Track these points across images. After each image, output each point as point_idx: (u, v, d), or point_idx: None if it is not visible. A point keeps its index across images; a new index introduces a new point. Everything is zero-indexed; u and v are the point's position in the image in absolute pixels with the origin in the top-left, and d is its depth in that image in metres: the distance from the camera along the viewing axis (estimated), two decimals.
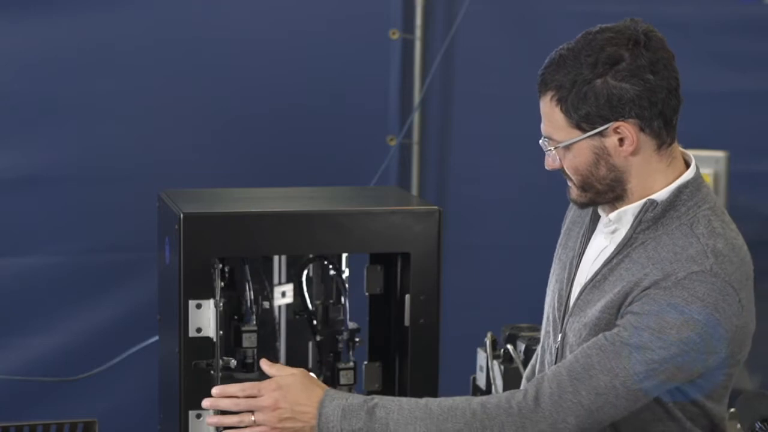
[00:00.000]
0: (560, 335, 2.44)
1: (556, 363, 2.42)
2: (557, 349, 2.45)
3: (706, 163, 4.12)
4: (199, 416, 2.70)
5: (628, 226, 2.37)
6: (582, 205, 2.44)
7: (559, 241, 2.60)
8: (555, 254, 2.60)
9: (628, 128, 2.30)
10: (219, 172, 4.15)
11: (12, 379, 3.98)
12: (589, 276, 2.41)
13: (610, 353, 2.25)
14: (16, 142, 4.04)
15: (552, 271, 2.59)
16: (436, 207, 2.83)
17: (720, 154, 4.14)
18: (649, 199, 2.35)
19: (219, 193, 3.12)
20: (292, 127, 4.26)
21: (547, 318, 2.54)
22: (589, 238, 2.47)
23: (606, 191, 2.37)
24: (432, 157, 4.47)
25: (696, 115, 4.33)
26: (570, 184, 2.40)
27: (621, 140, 2.31)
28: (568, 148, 2.34)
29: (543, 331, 2.58)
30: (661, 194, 2.35)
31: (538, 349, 2.62)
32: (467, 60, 4.40)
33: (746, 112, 4.46)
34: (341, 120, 4.31)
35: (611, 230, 2.41)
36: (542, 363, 2.55)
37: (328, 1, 4.29)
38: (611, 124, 2.29)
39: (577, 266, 2.47)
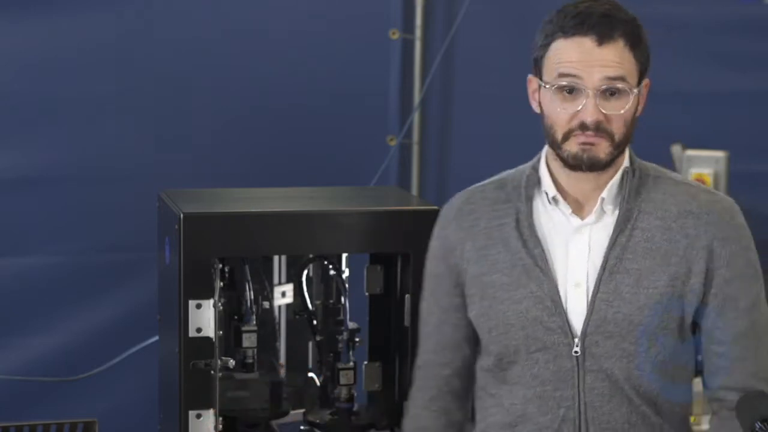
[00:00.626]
0: (577, 339, 2.39)
1: (579, 368, 2.38)
2: (578, 352, 2.38)
3: (706, 163, 4.12)
4: (199, 416, 2.70)
5: (618, 201, 2.40)
6: (605, 165, 2.37)
7: (446, 261, 2.51)
8: (448, 274, 2.51)
9: (648, 88, 2.40)
10: (219, 172, 4.15)
11: (12, 379, 3.97)
12: (597, 265, 2.38)
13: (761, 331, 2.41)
14: (16, 142, 4.03)
15: (471, 290, 2.47)
16: (436, 207, 2.83)
17: (720, 154, 4.14)
18: (626, 168, 2.42)
19: (219, 193, 3.12)
20: (292, 127, 4.26)
21: (527, 337, 2.41)
22: (539, 241, 2.42)
23: (622, 153, 2.40)
24: (432, 157, 4.47)
25: (696, 115, 4.38)
26: (598, 140, 2.34)
27: (641, 100, 2.39)
28: (631, 95, 2.34)
29: (512, 351, 2.44)
30: (627, 161, 2.43)
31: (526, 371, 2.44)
32: (467, 60, 4.39)
33: (746, 112, 4.46)
34: (341, 120, 4.31)
35: (599, 215, 2.40)
36: (550, 378, 2.42)
37: (328, 1, 4.29)
38: (645, 80, 2.39)
39: (546, 270, 2.41)
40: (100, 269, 4.11)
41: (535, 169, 2.49)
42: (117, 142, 4.10)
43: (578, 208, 2.43)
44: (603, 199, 2.40)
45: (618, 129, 2.35)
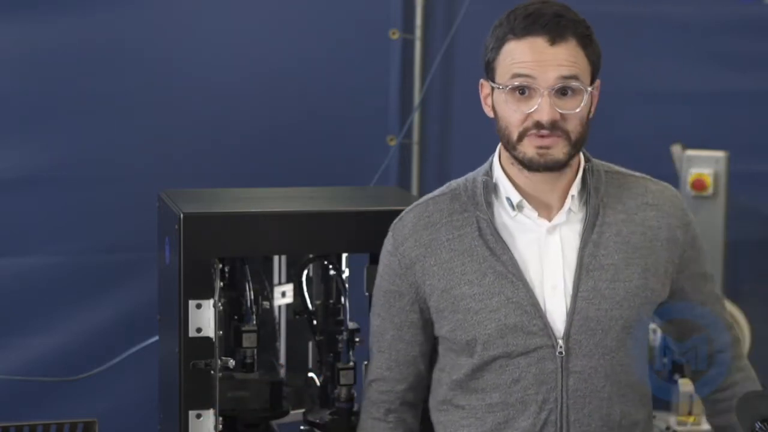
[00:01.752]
0: (560, 340, 2.38)
1: (561, 369, 2.38)
2: (562, 353, 2.38)
3: (706, 163, 4.12)
4: (199, 416, 2.70)
5: (582, 199, 2.43)
6: (562, 165, 2.37)
7: (404, 279, 2.49)
8: (406, 290, 2.50)
9: (599, 89, 2.42)
10: (219, 172, 4.15)
11: (12, 379, 3.97)
12: (572, 265, 2.39)
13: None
14: (16, 142, 4.04)
15: (436, 304, 2.46)
16: None
17: (720, 154, 4.14)
18: (586, 165, 2.45)
19: (219, 193, 3.11)
20: (292, 127, 4.26)
21: (507, 344, 2.40)
22: (506, 247, 2.41)
23: (578, 152, 2.42)
24: (432, 157, 4.47)
25: (696, 115, 4.38)
26: (554, 141, 2.35)
27: (594, 99, 2.41)
28: (584, 94, 2.35)
29: (490, 357, 2.43)
30: (583, 161, 2.46)
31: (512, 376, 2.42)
32: (467, 60, 4.39)
33: (746, 112, 4.46)
34: (341, 120, 4.31)
35: (566, 214, 2.41)
36: (532, 381, 2.40)
37: (328, 2, 4.29)
38: (596, 81, 2.41)
39: (519, 275, 2.40)
40: (100, 269, 4.12)
41: (489, 175, 2.48)
42: (117, 142, 4.10)
43: (544, 211, 2.44)
44: (573, 196, 2.42)
45: (574, 128, 2.35)
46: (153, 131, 4.13)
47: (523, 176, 2.42)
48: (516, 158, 2.40)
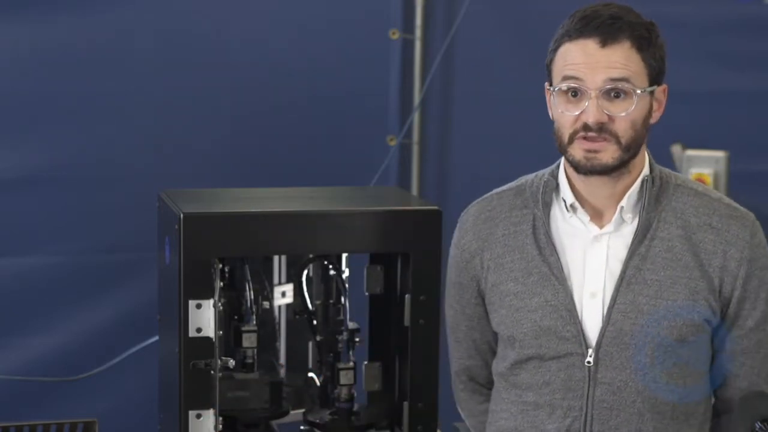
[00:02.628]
0: (591, 349, 2.37)
1: (589, 379, 2.37)
2: (590, 362, 2.37)
3: (706, 163, 4.12)
4: (199, 416, 2.70)
5: (634, 210, 2.38)
6: (612, 168, 2.33)
7: (466, 271, 2.52)
8: (468, 283, 2.52)
9: (666, 93, 2.39)
10: (219, 172, 4.15)
11: (12, 379, 3.98)
12: (614, 275, 2.36)
13: None
14: (16, 142, 4.04)
15: (490, 299, 2.48)
16: (436, 207, 2.83)
17: (720, 154, 4.14)
18: (646, 176, 2.39)
19: (219, 193, 3.11)
20: (293, 127, 4.26)
21: (540, 346, 2.41)
22: (555, 249, 2.41)
23: (633, 157, 2.36)
24: (432, 157, 4.47)
25: (696, 115, 4.38)
26: (602, 145, 2.32)
27: (657, 105, 2.38)
28: (637, 98, 2.31)
29: (525, 358, 2.44)
30: (646, 169, 2.41)
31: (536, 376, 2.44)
32: (467, 60, 4.40)
33: (746, 112, 4.46)
34: (341, 120, 4.31)
35: (617, 224, 2.38)
36: (560, 386, 2.41)
37: (328, 2, 4.29)
38: (662, 85, 2.38)
39: (561, 279, 2.40)
40: (100, 269, 4.12)
41: (554, 175, 2.46)
42: (117, 142, 4.10)
43: (596, 216, 2.41)
44: (622, 207, 2.38)
45: (624, 131, 2.32)
46: (153, 131, 4.14)
47: (580, 179, 2.40)
48: (567, 160, 2.39)
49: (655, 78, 2.36)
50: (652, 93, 2.36)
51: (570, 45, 2.34)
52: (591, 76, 2.31)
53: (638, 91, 2.32)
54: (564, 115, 2.34)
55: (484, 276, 2.50)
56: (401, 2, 4.34)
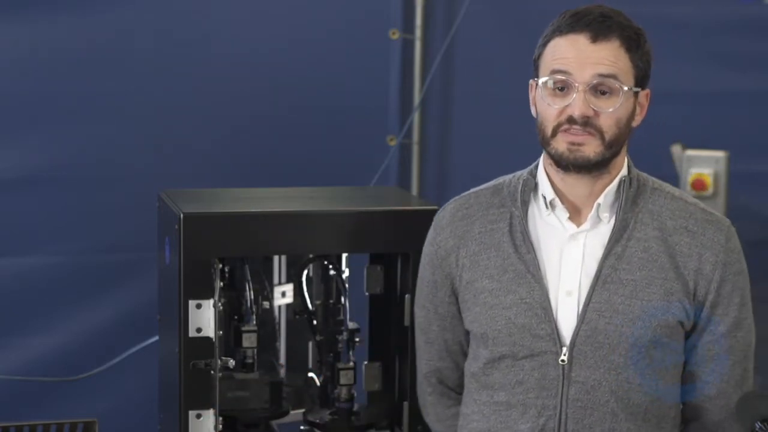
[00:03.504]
0: (565, 348, 2.37)
1: (563, 377, 2.36)
2: (564, 361, 2.36)
3: (706, 163, 4.12)
4: (199, 416, 2.70)
5: (611, 210, 2.39)
6: (594, 164, 2.34)
7: (441, 269, 2.51)
8: (442, 281, 2.51)
9: (648, 98, 2.40)
10: (219, 172, 4.15)
11: (12, 379, 3.97)
12: (590, 274, 2.36)
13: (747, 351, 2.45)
14: (16, 142, 4.03)
15: (464, 297, 2.47)
16: (436, 207, 2.83)
17: (720, 154, 4.14)
18: (624, 176, 2.40)
19: (219, 193, 3.12)
20: (292, 127, 4.26)
21: (513, 344, 2.40)
22: (531, 247, 2.41)
23: (614, 155, 2.37)
24: (432, 157, 4.47)
25: (696, 115, 4.38)
26: (586, 138, 2.33)
27: (639, 108, 2.39)
28: (623, 96, 2.32)
29: (494, 357, 2.43)
30: (624, 170, 2.42)
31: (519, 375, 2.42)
32: (467, 60, 4.39)
33: (746, 112, 4.45)
34: (341, 120, 4.31)
35: (594, 222, 2.38)
36: (534, 385, 2.40)
37: (329, 2, 4.29)
38: (646, 90, 2.39)
39: (537, 277, 2.39)
40: (100, 269, 4.11)
41: (533, 174, 2.47)
42: (117, 142, 4.10)
43: (575, 214, 2.42)
44: (599, 205, 2.38)
45: (608, 127, 2.33)
46: (153, 131, 4.13)
47: (559, 176, 2.41)
48: (549, 154, 2.38)
49: (640, 81, 2.37)
50: (636, 95, 2.37)
51: (560, 40, 2.35)
52: (579, 71, 2.32)
53: (625, 89, 2.33)
54: (549, 107, 2.35)
55: (459, 273, 2.49)
56: (401, 2, 4.33)
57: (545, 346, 2.38)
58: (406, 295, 2.81)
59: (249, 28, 4.19)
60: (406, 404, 2.84)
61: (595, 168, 2.36)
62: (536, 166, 2.48)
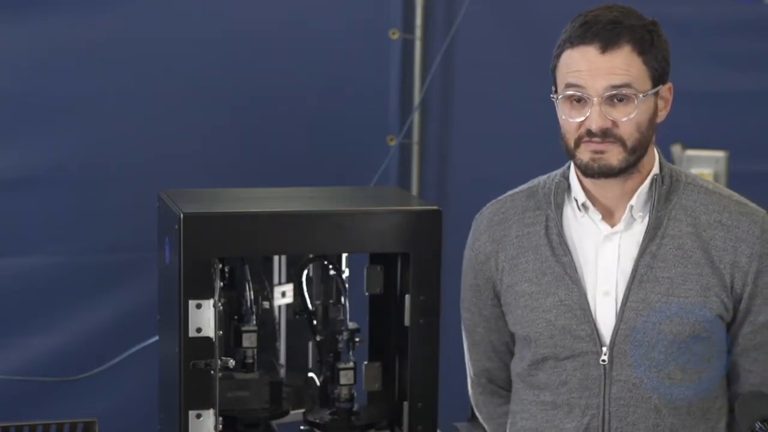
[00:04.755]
0: (605, 347, 2.37)
1: (605, 376, 2.37)
2: (605, 360, 2.37)
3: (706, 163, 4.12)
4: (199, 416, 2.70)
5: (647, 208, 2.39)
6: (619, 171, 2.34)
7: (482, 273, 2.52)
8: (484, 285, 2.52)
9: (671, 93, 2.39)
10: (219, 172, 4.15)
11: (12, 379, 3.97)
12: (626, 273, 2.37)
13: None
14: (16, 142, 4.03)
15: (506, 300, 2.49)
16: (436, 207, 2.83)
17: (720, 154, 4.13)
18: (655, 175, 2.39)
19: (219, 193, 3.12)
20: (292, 127, 4.26)
21: (555, 345, 2.41)
22: (568, 249, 2.42)
23: (640, 158, 2.37)
24: (432, 157, 4.47)
25: (696, 115, 4.38)
26: (609, 146, 2.33)
27: (660, 103, 2.38)
28: (640, 101, 2.31)
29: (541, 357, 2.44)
30: (656, 168, 2.42)
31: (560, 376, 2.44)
32: (467, 60, 4.39)
33: (746, 112, 4.46)
34: (341, 120, 4.31)
35: (628, 222, 2.38)
36: (577, 385, 2.41)
37: (329, 2, 4.29)
38: (667, 84, 2.38)
39: (575, 278, 2.40)
40: (100, 269, 4.12)
41: (565, 175, 2.47)
42: (117, 142, 4.10)
43: (608, 215, 2.42)
44: (632, 206, 2.39)
45: (628, 134, 2.33)
46: (153, 131, 4.13)
47: (589, 180, 2.42)
48: (575, 164, 2.40)
49: (659, 78, 2.37)
50: (656, 93, 2.36)
51: (571, 52, 2.35)
52: (592, 83, 2.32)
53: (640, 96, 2.32)
54: (568, 121, 2.35)
55: (500, 277, 2.51)
56: (401, 2, 4.33)
57: (586, 346, 2.39)
58: (406, 295, 2.81)
59: (249, 28, 4.19)
60: (406, 404, 2.84)
61: (621, 173, 2.36)
62: (569, 167, 2.48)
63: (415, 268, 2.78)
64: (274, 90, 4.22)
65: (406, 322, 2.81)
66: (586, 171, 2.36)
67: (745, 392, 2.37)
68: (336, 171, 4.22)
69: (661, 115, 2.39)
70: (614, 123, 2.32)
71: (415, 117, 4.40)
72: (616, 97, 2.32)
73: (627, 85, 2.31)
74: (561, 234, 2.43)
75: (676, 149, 4.18)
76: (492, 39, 4.39)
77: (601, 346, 2.38)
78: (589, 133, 2.33)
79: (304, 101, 4.26)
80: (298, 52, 4.23)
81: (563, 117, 2.36)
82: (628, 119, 2.32)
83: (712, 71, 4.42)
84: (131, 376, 4.03)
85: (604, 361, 2.38)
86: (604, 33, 2.31)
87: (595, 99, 2.31)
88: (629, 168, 2.36)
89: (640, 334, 2.37)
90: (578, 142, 2.35)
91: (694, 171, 4.12)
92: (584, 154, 2.35)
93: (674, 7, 4.35)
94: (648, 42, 2.34)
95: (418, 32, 4.36)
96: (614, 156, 2.33)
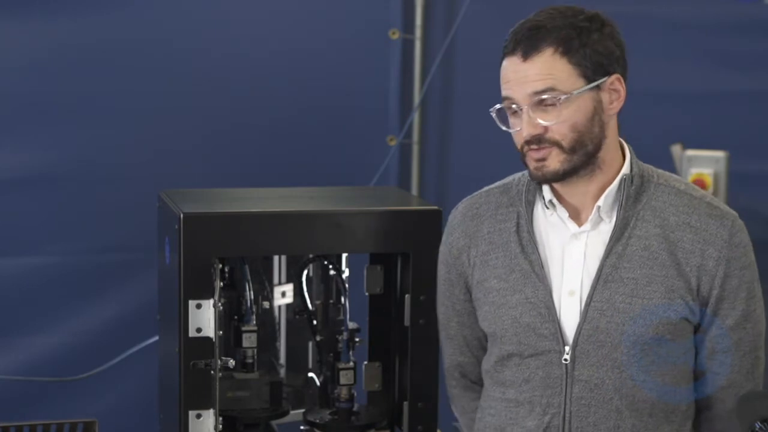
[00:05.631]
0: (568, 347, 2.37)
1: (567, 376, 2.37)
2: (567, 360, 2.37)
3: (706, 163, 4.12)
4: (199, 416, 2.70)
5: (615, 208, 2.38)
6: (562, 175, 2.34)
7: (455, 268, 2.53)
8: (456, 280, 2.53)
9: (621, 83, 2.35)
10: (219, 172, 4.15)
11: (12, 379, 3.97)
12: (592, 273, 2.36)
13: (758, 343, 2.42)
14: (17, 142, 4.04)
15: (476, 296, 2.49)
16: (436, 207, 2.83)
17: (720, 154, 4.13)
18: (624, 175, 2.38)
19: (219, 193, 3.12)
20: (292, 127, 4.26)
21: (519, 343, 2.42)
22: (536, 246, 2.42)
23: (592, 153, 2.35)
24: (432, 157, 4.47)
25: (696, 115, 4.38)
26: (546, 153, 2.33)
27: (609, 95, 2.34)
28: (569, 101, 2.30)
29: (502, 355, 2.45)
30: (626, 167, 2.40)
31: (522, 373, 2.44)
32: (467, 60, 4.39)
33: (746, 112, 4.45)
34: (341, 120, 4.31)
35: (595, 222, 2.38)
36: (539, 384, 2.41)
37: (328, 2, 4.29)
38: (610, 76, 2.34)
39: (541, 276, 2.40)
40: (100, 269, 4.12)
41: None
42: (117, 142, 4.10)
43: (575, 214, 2.41)
44: (599, 207, 2.38)
45: (562, 136, 2.32)
46: (153, 131, 4.13)
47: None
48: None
49: (595, 72, 2.33)
50: (598, 88, 2.33)
51: (504, 62, 2.40)
52: (518, 92, 2.34)
53: (562, 98, 2.31)
54: (512, 131, 2.38)
55: (471, 272, 2.51)
56: (401, 2, 4.33)
57: (549, 345, 2.39)
58: (406, 295, 2.81)
59: (249, 28, 4.19)
60: (406, 404, 2.84)
61: (570, 175, 2.36)
62: None
63: (415, 268, 2.78)
64: (274, 90, 4.22)
65: (406, 322, 2.81)
66: (533, 178, 2.39)
67: (745, 392, 2.36)
68: (336, 171, 4.22)
69: (614, 107, 2.36)
70: (546, 128, 2.33)
71: (415, 117, 4.40)
72: (543, 102, 2.32)
73: (550, 89, 2.31)
74: (531, 231, 2.43)
75: (676, 149, 4.18)
76: (492, 39, 4.36)
77: (564, 345, 2.38)
78: (528, 142, 2.34)
79: (304, 101, 4.26)
80: (298, 52, 4.23)
81: (504, 128, 2.39)
82: (558, 122, 2.32)
83: (712, 71, 4.41)
84: (131, 376, 4.03)
85: (566, 360, 2.38)
86: (524, 40, 2.33)
87: (523, 107, 2.33)
88: (578, 169, 2.35)
89: (603, 334, 2.36)
90: (523, 151, 2.37)
91: (694, 171, 4.12)
92: (530, 162, 2.37)
93: (674, 6, 4.36)
94: (574, 40, 2.32)
95: (418, 32, 4.36)
96: (554, 160, 2.34)
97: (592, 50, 2.32)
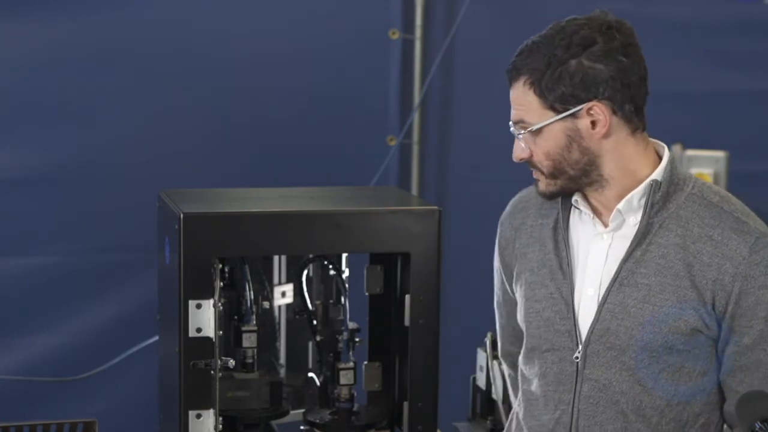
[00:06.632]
0: (581, 345, 2.38)
1: (577, 374, 2.38)
2: (578, 358, 2.38)
3: (706, 163, 4.12)
4: (199, 416, 2.70)
5: (639, 212, 2.37)
6: (551, 195, 2.40)
7: (502, 258, 2.56)
8: (504, 270, 2.57)
9: (601, 109, 2.31)
10: (219, 172, 4.15)
11: (12, 379, 3.97)
12: (611, 275, 2.36)
13: None
14: (17, 142, 4.04)
15: (516, 287, 2.52)
16: (436, 207, 2.83)
17: (720, 154, 4.14)
18: (653, 180, 2.36)
19: (219, 193, 3.12)
20: (292, 127, 4.26)
21: (539, 337, 2.44)
22: (567, 244, 2.43)
23: (579, 176, 2.36)
24: (432, 157, 4.47)
25: (696, 115, 4.38)
26: (537, 175, 2.39)
27: (594, 122, 2.32)
28: (539, 131, 2.33)
29: (530, 351, 2.47)
30: (657, 173, 2.37)
31: (525, 370, 2.50)
32: (467, 60, 4.39)
33: (746, 112, 4.46)
34: (341, 120, 4.31)
35: (618, 223, 2.38)
36: (553, 379, 2.43)
37: (329, 2, 4.29)
38: (585, 105, 2.31)
39: (567, 273, 2.41)
40: (100, 269, 4.12)
41: None
42: (117, 142, 4.10)
43: (601, 214, 2.42)
44: (619, 210, 2.38)
45: (539, 162, 2.37)
46: (153, 131, 4.13)
47: None
48: None
49: (566, 102, 2.31)
50: (573, 116, 2.32)
51: None
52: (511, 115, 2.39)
53: (533, 128, 2.33)
54: None
55: (514, 264, 2.54)
56: (401, 2, 4.33)
57: (564, 341, 2.41)
58: (406, 295, 2.81)
59: (249, 28, 4.19)
60: (406, 404, 2.84)
61: (557, 196, 2.41)
62: None
63: (415, 268, 2.78)
64: (274, 90, 4.22)
65: (406, 322, 2.81)
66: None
67: (745, 392, 2.36)
68: (336, 171, 4.22)
69: (597, 132, 2.33)
70: (530, 152, 2.37)
71: (415, 117, 4.40)
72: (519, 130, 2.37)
73: (520, 121, 2.36)
74: (566, 229, 2.45)
75: (676, 149, 4.18)
76: (492, 39, 4.38)
77: (578, 343, 2.39)
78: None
79: (304, 101, 4.26)
80: (298, 53, 4.23)
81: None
82: (535, 149, 2.36)
83: (712, 71, 4.42)
84: (131, 376, 4.03)
85: (577, 358, 2.39)
86: (511, 65, 2.37)
87: (515, 132, 2.39)
88: (561, 191, 2.39)
89: (614, 336, 2.36)
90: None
91: (694, 171, 4.12)
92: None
93: (674, 6, 4.36)
94: (543, 71, 2.30)
95: (418, 32, 4.36)
96: (542, 183, 2.40)
97: (564, 81, 2.30)
